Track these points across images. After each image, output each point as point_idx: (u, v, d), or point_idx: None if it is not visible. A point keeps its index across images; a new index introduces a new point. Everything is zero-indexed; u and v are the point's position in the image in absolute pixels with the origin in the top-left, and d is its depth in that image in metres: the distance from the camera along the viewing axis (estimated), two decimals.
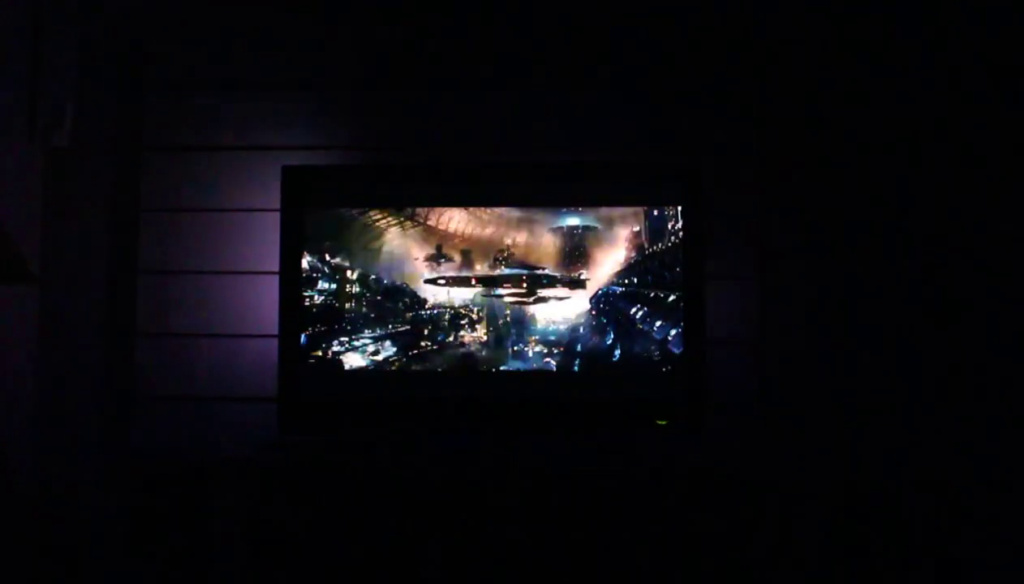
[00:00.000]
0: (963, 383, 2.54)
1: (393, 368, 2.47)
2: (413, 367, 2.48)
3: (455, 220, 2.50)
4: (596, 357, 2.46)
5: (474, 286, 2.48)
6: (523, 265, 2.48)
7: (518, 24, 2.66)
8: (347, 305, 2.48)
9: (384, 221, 2.51)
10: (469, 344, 2.48)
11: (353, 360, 2.48)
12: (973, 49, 2.59)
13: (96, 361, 2.56)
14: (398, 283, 2.49)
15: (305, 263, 2.47)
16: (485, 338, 2.48)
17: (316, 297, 2.48)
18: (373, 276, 2.49)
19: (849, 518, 2.52)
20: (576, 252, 2.48)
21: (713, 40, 2.64)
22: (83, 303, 2.55)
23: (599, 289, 2.47)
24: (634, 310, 2.46)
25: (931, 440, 2.54)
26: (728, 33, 2.64)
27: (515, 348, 2.47)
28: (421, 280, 2.49)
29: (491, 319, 2.48)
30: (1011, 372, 2.53)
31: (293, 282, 2.46)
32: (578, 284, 2.47)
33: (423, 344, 2.48)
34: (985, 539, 2.48)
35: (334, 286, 2.48)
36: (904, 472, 2.53)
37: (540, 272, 2.48)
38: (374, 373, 2.47)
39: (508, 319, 2.48)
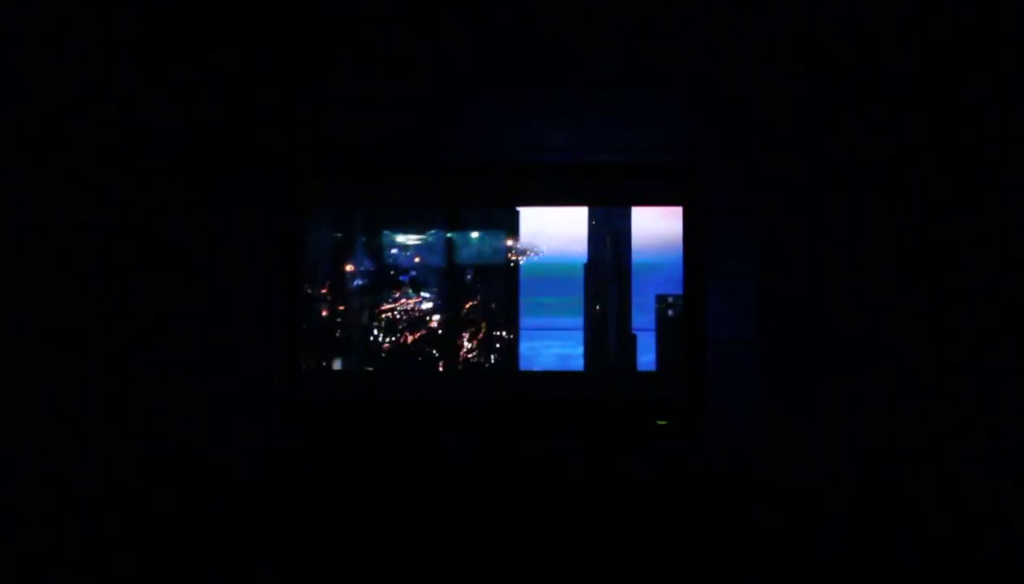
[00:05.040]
0: (965, 382, 2.54)
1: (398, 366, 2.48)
2: (416, 366, 2.48)
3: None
4: (596, 356, 2.46)
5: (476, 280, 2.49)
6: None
7: (520, 25, 2.66)
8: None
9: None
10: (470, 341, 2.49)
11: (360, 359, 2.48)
12: (976, 46, 2.58)
13: None
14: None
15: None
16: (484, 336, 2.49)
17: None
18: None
19: (850, 518, 2.52)
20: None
21: (714, 38, 2.64)
22: None
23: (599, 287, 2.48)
24: (634, 309, 2.46)
25: (933, 439, 2.54)
26: (728, 31, 2.63)
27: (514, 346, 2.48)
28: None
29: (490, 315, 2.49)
30: (1014, 372, 2.53)
31: (293, 282, 2.47)
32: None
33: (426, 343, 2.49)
34: (989, 539, 2.48)
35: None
36: (906, 472, 2.53)
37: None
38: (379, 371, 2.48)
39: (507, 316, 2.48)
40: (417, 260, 2.49)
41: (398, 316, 2.48)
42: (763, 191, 2.61)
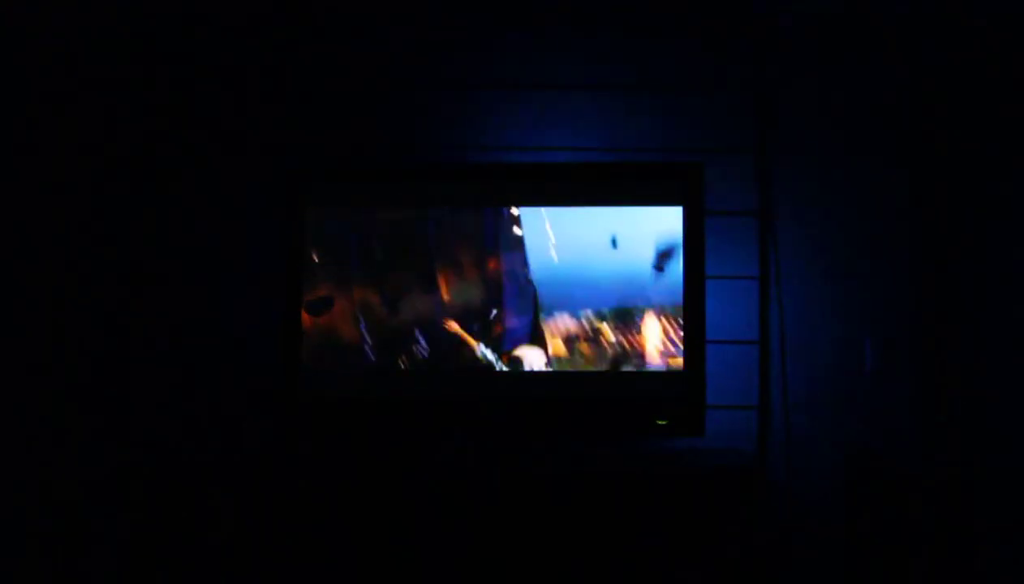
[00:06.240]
0: (965, 382, 2.55)
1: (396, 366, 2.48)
2: (416, 366, 2.48)
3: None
4: (597, 356, 2.46)
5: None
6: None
7: (518, 26, 2.66)
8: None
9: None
10: (471, 342, 2.48)
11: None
12: (978, 47, 2.58)
13: None
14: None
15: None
16: (486, 337, 2.48)
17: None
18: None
19: (849, 518, 2.53)
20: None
21: (714, 38, 2.64)
22: None
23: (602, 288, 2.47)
24: (635, 309, 2.46)
25: (933, 440, 2.54)
26: (729, 31, 2.64)
27: (515, 346, 2.48)
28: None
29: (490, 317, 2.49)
30: (1014, 373, 2.53)
31: (294, 282, 2.47)
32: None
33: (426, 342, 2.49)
34: (994, 539, 2.48)
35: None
36: (907, 470, 2.54)
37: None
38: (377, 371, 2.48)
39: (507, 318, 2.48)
40: None
41: None
42: (763, 191, 2.61)
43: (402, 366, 2.48)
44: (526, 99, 2.64)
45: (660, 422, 2.44)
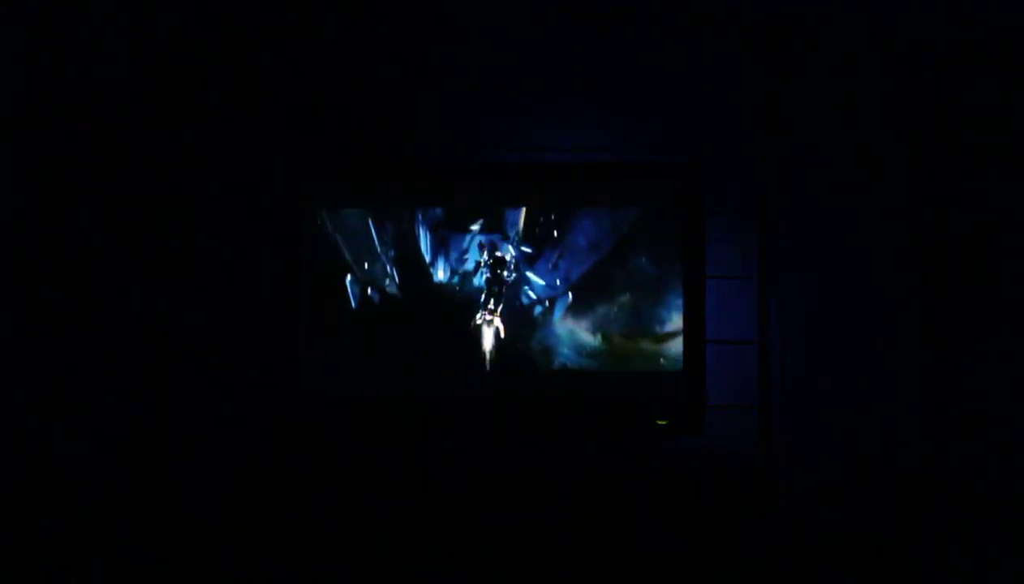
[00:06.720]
0: (965, 382, 2.54)
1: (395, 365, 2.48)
2: (414, 366, 2.48)
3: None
4: (596, 356, 2.46)
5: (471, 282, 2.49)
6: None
7: (519, 23, 2.66)
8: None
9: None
10: (467, 343, 2.48)
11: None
12: (977, 47, 2.59)
13: None
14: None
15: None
16: (482, 337, 2.48)
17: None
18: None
19: (850, 518, 2.52)
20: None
21: (714, 38, 2.64)
22: None
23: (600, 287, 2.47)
24: (634, 309, 2.46)
25: (933, 439, 2.54)
26: (728, 30, 2.64)
27: (513, 347, 2.47)
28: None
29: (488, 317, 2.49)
30: (1014, 372, 2.53)
31: (294, 281, 2.48)
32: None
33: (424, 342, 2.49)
34: (989, 539, 2.48)
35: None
36: (907, 470, 2.53)
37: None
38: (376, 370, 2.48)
39: (505, 318, 2.48)
40: None
41: None
42: (763, 191, 2.61)
43: (402, 365, 2.48)
44: (525, 99, 2.64)
45: (660, 422, 2.43)
